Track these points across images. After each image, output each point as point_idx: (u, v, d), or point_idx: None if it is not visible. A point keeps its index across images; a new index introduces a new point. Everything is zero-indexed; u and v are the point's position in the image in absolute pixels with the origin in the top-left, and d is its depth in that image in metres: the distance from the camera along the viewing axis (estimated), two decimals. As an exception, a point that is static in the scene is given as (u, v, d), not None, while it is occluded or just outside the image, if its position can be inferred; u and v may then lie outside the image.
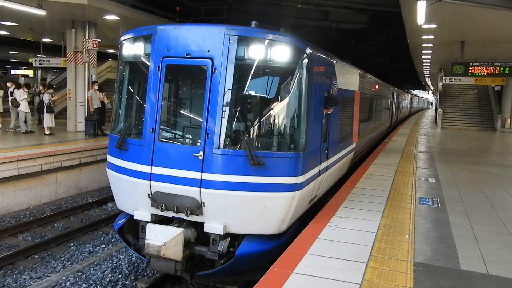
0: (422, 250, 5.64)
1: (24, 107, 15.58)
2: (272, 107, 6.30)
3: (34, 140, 14.32)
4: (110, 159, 6.73)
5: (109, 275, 7.51)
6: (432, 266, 5.14)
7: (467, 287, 4.72)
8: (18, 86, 16.30)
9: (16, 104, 15.67)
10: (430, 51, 21.36)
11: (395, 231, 6.32)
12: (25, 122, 15.79)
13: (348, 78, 10.15)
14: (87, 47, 16.76)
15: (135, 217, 6.40)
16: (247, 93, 6.31)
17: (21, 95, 15.52)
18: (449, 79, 20.86)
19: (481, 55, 19.99)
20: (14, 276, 7.62)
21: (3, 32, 22.92)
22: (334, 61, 8.28)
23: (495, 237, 6.36)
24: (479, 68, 18.09)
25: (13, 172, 10.84)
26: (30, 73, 39.31)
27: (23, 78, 39.29)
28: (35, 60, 19.81)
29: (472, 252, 5.69)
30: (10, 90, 16.39)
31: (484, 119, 31.03)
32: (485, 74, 18.03)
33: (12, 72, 43.13)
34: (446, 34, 15.83)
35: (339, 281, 4.62)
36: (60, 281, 7.19)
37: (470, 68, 18.02)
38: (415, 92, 76.58)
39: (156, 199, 6.07)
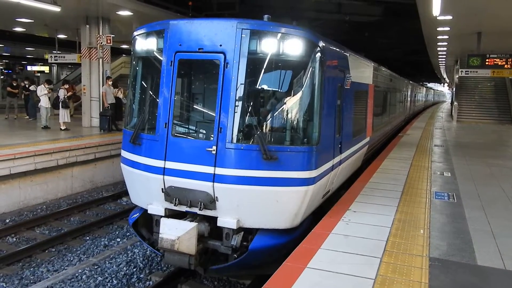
0: (437, 245, 5.56)
1: (45, 102, 15.81)
2: (285, 101, 6.26)
3: (50, 135, 14.52)
4: (124, 154, 6.78)
5: (124, 268, 7.60)
6: (448, 261, 5.07)
7: (484, 282, 4.65)
8: (49, 82, 16.90)
9: (37, 99, 15.98)
10: (445, 43, 20.99)
11: (410, 226, 6.25)
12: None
13: (362, 71, 10.03)
14: (101, 43, 16.90)
15: (149, 212, 6.45)
16: (259, 87, 6.29)
17: (41, 90, 15.75)
18: (465, 71, 20.44)
19: (498, 46, 19.57)
20: (31, 268, 7.76)
21: (19, 29, 23.22)
22: (348, 54, 8.18)
23: (513, 232, 6.25)
24: (496, 60, 17.69)
25: (30, 166, 11.01)
26: (46, 69, 39.91)
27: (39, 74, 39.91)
28: (51, 56, 20.05)
29: (489, 247, 5.60)
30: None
31: (501, 112, 30.41)
32: (502, 65, 17.63)
33: (29, 68, 43.83)
34: (462, 25, 15.53)
35: (353, 276, 4.59)
36: (76, 274, 7.30)
37: (487, 60, 17.64)
38: (430, 85, 75.48)
39: (169, 193, 6.10)
